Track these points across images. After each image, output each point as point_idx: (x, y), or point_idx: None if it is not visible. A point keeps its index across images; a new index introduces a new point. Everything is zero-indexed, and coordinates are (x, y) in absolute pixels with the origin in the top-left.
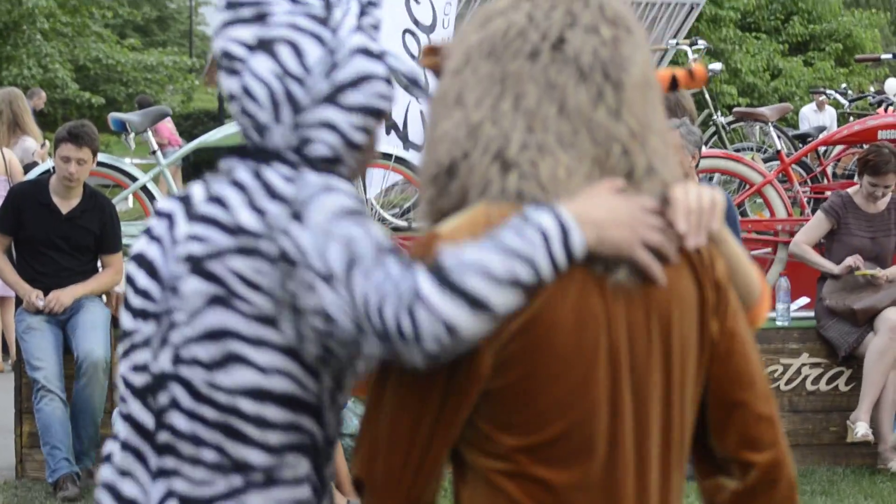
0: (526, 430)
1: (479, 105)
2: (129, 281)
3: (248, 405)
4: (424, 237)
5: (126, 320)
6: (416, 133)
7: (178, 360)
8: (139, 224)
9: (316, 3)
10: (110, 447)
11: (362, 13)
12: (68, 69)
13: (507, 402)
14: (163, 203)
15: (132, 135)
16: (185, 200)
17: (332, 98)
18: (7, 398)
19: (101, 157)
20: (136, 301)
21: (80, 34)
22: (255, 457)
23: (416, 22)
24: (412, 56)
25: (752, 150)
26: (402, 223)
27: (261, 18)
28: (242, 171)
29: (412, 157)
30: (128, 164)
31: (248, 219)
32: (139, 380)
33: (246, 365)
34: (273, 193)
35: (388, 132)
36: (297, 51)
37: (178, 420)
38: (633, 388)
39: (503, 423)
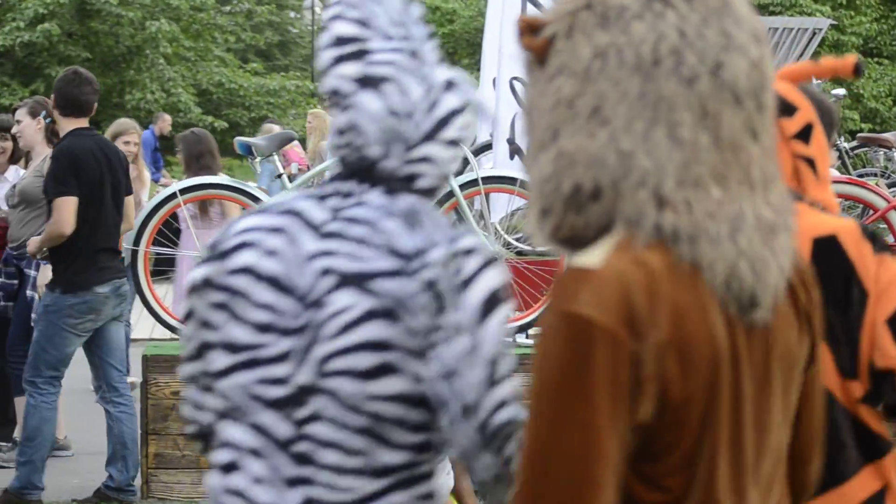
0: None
1: (628, 129)
2: (238, 293)
3: (395, 410)
4: (573, 273)
5: (241, 333)
6: None
7: (323, 372)
8: None
9: (403, 37)
10: (227, 455)
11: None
12: (191, 93)
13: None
14: (260, 219)
15: (258, 159)
16: (298, 216)
17: (433, 134)
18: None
19: (227, 180)
20: (259, 315)
21: (203, 59)
22: (397, 458)
23: None
24: None
25: (875, 175)
26: (526, 247)
27: (361, 55)
28: (375, 196)
29: None
30: (252, 186)
31: (409, 249)
32: (274, 392)
33: (400, 374)
34: (433, 237)
35: (512, 157)
36: (402, 89)
37: (321, 429)
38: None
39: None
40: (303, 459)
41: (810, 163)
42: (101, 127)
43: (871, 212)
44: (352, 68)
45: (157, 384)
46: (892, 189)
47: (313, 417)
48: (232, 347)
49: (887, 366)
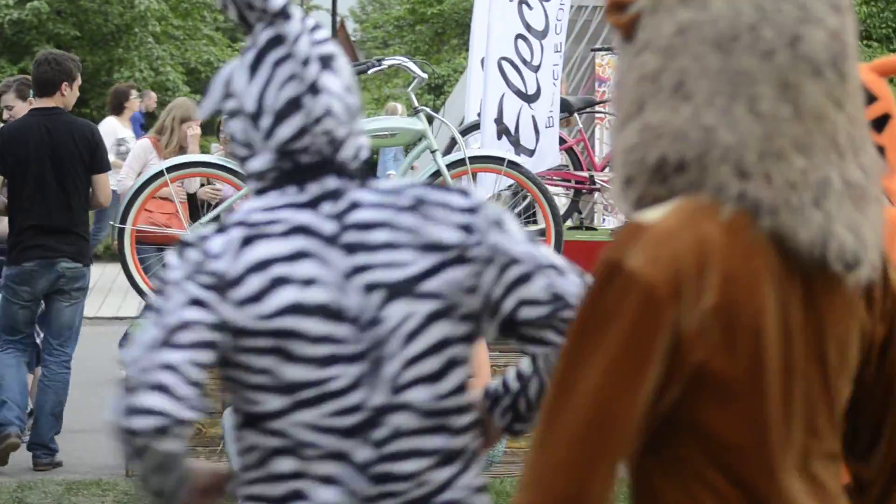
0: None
1: (710, 104)
2: (292, 335)
3: (458, 400)
4: (630, 227)
5: (299, 372)
6: (527, 138)
7: (397, 388)
8: None
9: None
10: (309, 487)
11: None
12: (179, 72)
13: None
14: (274, 244)
15: None
16: (310, 232)
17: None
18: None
19: (212, 158)
20: (320, 350)
21: (192, 37)
22: (459, 443)
23: (528, 27)
24: (524, 61)
25: None
26: None
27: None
28: (362, 194)
29: (523, 161)
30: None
31: (449, 235)
32: (349, 421)
33: (462, 365)
34: (459, 208)
35: (499, 137)
36: (343, 67)
37: (402, 444)
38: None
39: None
40: (382, 479)
41: (881, 150)
42: (89, 104)
43: None
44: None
45: None
46: None
47: (393, 436)
48: (289, 388)
49: None
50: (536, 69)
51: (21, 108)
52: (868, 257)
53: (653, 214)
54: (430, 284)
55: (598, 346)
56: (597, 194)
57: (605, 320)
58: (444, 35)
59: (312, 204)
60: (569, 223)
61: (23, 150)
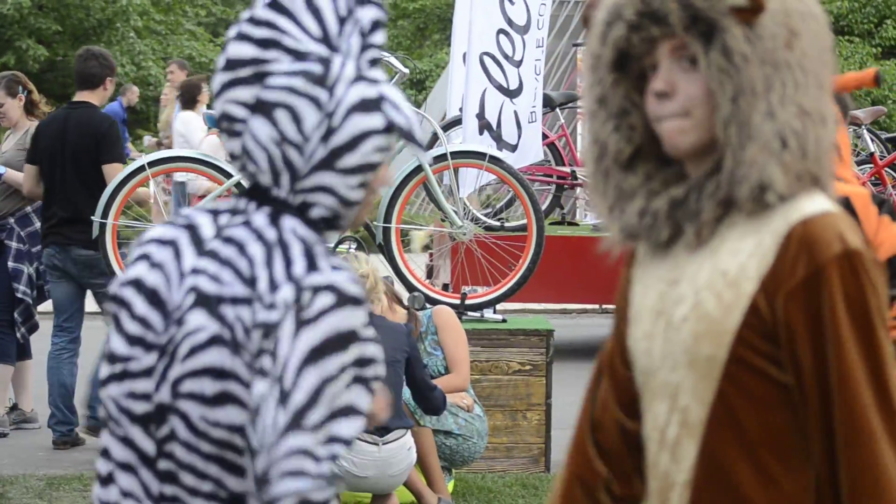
0: None
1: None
2: (124, 304)
3: (240, 440)
4: (834, 217)
5: (118, 344)
6: (509, 133)
7: (176, 393)
8: None
9: (315, 55)
10: (105, 467)
11: (364, 48)
12: (161, 67)
13: None
14: (163, 230)
15: None
16: (192, 231)
17: (328, 163)
18: None
19: (195, 153)
20: (133, 327)
21: (174, 32)
22: (247, 486)
23: (510, 22)
24: (506, 56)
25: None
26: (494, 223)
27: (259, 78)
28: (259, 218)
29: (505, 156)
30: (222, 160)
31: (263, 281)
32: (139, 407)
33: (241, 406)
34: (289, 271)
35: (481, 132)
36: (295, 116)
37: (178, 450)
38: None
39: None
40: (167, 478)
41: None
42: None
43: None
44: (245, 93)
45: None
46: (861, 166)
47: (171, 437)
48: (111, 358)
49: None
50: (518, 64)
51: (11, 105)
52: None
53: (828, 204)
54: (227, 310)
55: (882, 336)
56: (578, 189)
57: (876, 304)
58: (426, 30)
59: (218, 213)
60: (550, 218)
61: (46, 141)
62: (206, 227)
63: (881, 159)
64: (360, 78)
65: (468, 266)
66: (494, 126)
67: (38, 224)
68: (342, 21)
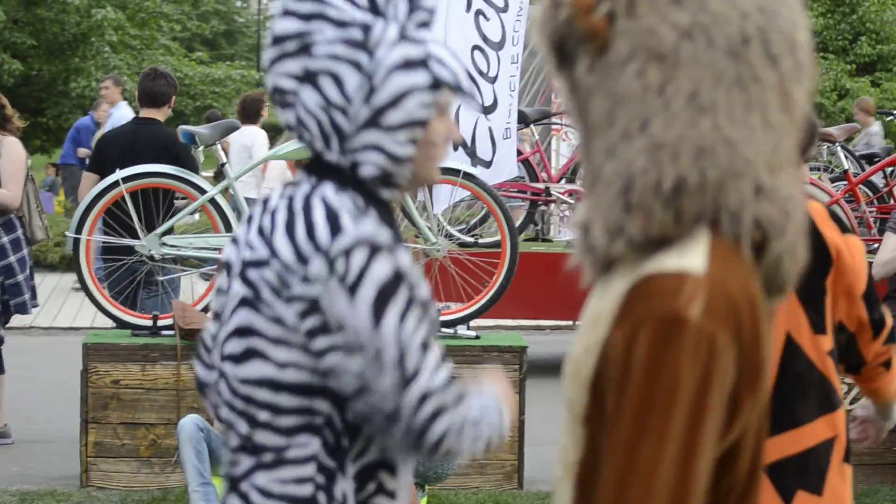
0: None
1: (731, 117)
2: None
3: (263, 394)
4: (671, 278)
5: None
6: (483, 150)
7: (221, 355)
8: (206, 236)
9: (357, 23)
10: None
11: (412, 10)
12: (136, 82)
13: None
14: (250, 211)
15: (201, 148)
16: (263, 205)
17: (373, 122)
18: (73, 408)
19: (170, 169)
20: (215, 304)
21: (149, 47)
22: (267, 438)
23: (484, 38)
24: (481, 73)
25: (819, 169)
26: (468, 239)
27: (305, 50)
28: (303, 188)
29: (480, 173)
30: (197, 176)
31: (283, 247)
32: (210, 377)
33: (264, 360)
34: (315, 242)
35: (455, 149)
36: (338, 81)
37: (223, 411)
38: None
39: None
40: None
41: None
42: (45, 114)
43: None
44: (293, 65)
45: (98, 373)
46: (835, 184)
47: (220, 396)
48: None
49: (855, 330)
50: (493, 80)
51: None
52: (790, 286)
53: (693, 260)
54: (250, 273)
55: (670, 412)
56: (553, 206)
57: (676, 379)
58: None
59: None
60: (525, 235)
61: (111, 153)
62: (271, 201)
63: (855, 176)
64: (404, 38)
65: (442, 282)
66: (469, 142)
67: (2, 239)
68: None
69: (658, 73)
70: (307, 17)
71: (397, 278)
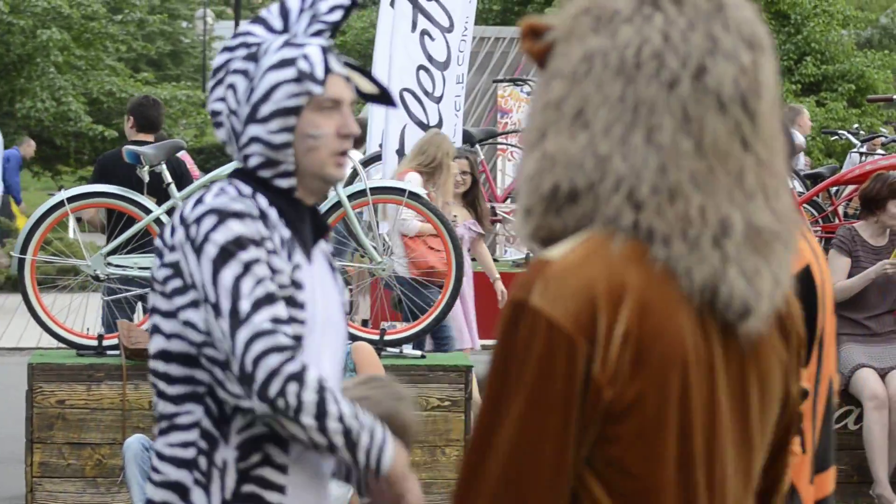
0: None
1: (607, 133)
2: None
3: (159, 365)
4: (535, 264)
5: None
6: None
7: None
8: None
9: (262, 41)
10: None
11: (311, 23)
12: (82, 102)
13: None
14: None
15: (146, 168)
16: None
17: (251, 117)
18: (19, 428)
19: (115, 189)
20: None
21: (94, 67)
22: (164, 407)
23: (430, 58)
24: (426, 92)
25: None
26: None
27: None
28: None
29: (425, 193)
30: (142, 196)
31: (167, 231)
32: None
33: (158, 333)
34: (181, 215)
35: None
36: (233, 90)
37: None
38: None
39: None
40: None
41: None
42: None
43: None
44: (220, 90)
45: (43, 393)
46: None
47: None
48: None
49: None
50: (438, 100)
51: None
52: (760, 308)
53: (557, 251)
54: (154, 259)
55: (512, 392)
56: (498, 226)
57: (517, 363)
58: None
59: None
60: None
61: (115, 174)
62: None
63: (800, 196)
64: (287, 45)
65: (387, 302)
66: (398, 147)
67: None
68: (301, 11)
69: (559, 90)
70: (233, 48)
71: (239, 241)
